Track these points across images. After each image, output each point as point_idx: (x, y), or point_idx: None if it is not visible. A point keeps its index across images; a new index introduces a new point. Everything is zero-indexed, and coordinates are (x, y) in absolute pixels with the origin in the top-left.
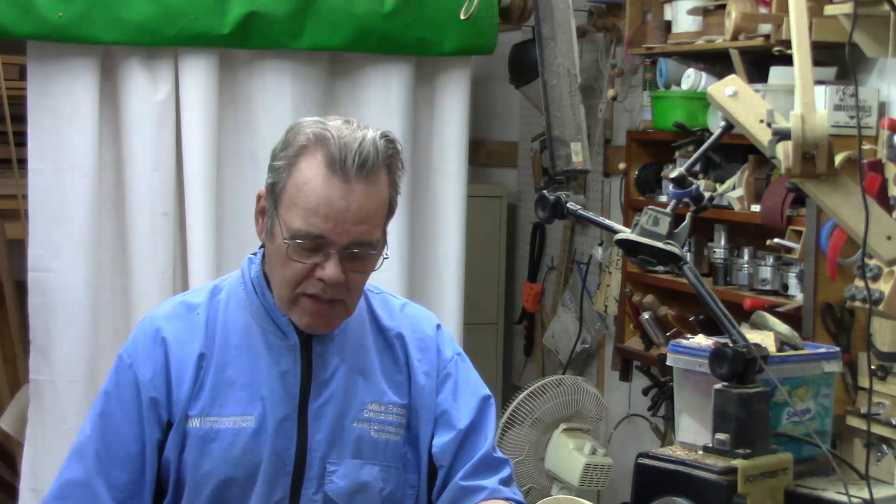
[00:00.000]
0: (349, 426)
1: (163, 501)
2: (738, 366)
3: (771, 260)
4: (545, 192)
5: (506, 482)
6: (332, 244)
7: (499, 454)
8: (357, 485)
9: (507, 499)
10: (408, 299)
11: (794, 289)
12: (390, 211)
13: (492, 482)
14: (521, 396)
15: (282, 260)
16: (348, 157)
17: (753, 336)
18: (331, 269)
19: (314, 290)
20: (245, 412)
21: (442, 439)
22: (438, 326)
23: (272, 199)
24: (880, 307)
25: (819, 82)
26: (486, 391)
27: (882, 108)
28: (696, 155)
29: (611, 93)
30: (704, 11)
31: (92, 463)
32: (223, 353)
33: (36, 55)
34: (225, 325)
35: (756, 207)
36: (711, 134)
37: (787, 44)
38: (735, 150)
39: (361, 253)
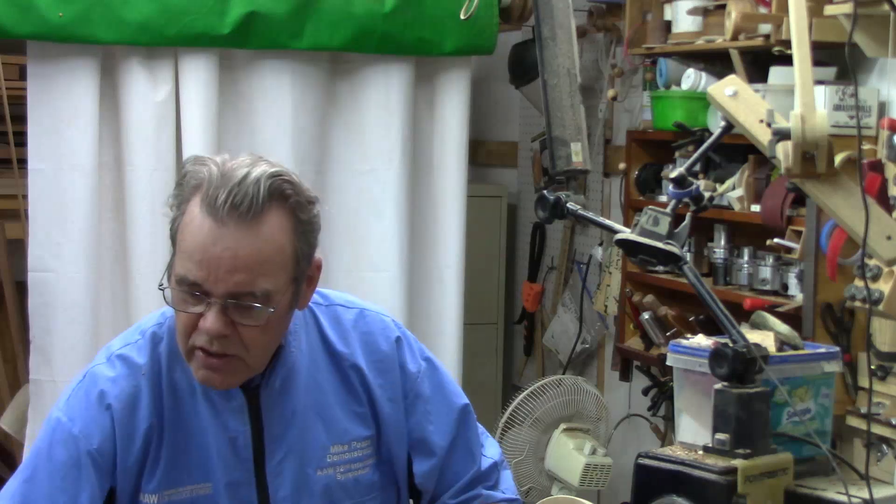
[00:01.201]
0: (313, 476)
1: None
2: (738, 366)
3: (771, 260)
4: (545, 191)
5: (495, 486)
6: (211, 293)
7: (487, 463)
8: None
9: (498, 501)
10: (362, 305)
11: (794, 289)
12: (298, 260)
13: (480, 489)
14: (521, 396)
15: (175, 310)
16: (219, 197)
17: (753, 336)
18: (209, 321)
19: (201, 342)
20: (201, 479)
21: (423, 467)
22: (398, 339)
23: (171, 241)
24: (880, 307)
25: (819, 82)
26: (462, 400)
27: (882, 108)
28: (696, 155)
29: (611, 93)
30: (704, 11)
31: None
32: (173, 419)
33: (36, 55)
34: (171, 386)
35: (756, 207)
36: (711, 134)
37: (787, 44)
38: (735, 150)
39: (245, 304)
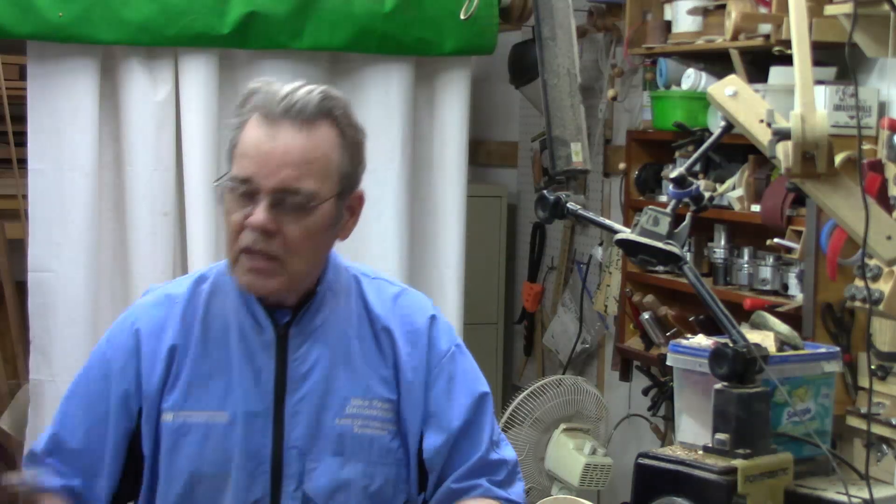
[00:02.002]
0: (330, 423)
1: (139, 493)
2: (738, 366)
3: (771, 260)
4: (545, 192)
5: (501, 484)
6: (261, 188)
7: (497, 456)
8: (338, 483)
9: (497, 498)
10: (407, 286)
11: (794, 289)
12: (342, 176)
13: (484, 481)
14: (521, 396)
15: (227, 217)
16: (274, 101)
17: (753, 336)
18: (257, 213)
19: (247, 242)
20: (218, 407)
21: (433, 442)
22: (433, 317)
23: (229, 159)
24: (880, 307)
25: (819, 82)
26: (483, 387)
27: (882, 108)
28: (696, 155)
29: (611, 93)
30: (704, 11)
31: (47, 442)
32: (201, 346)
33: (36, 55)
34: (205, 316)
35: (756, 207)
36: (711, 134)
37: (787, 44)
38: (735, 150)
39: (291, 201)
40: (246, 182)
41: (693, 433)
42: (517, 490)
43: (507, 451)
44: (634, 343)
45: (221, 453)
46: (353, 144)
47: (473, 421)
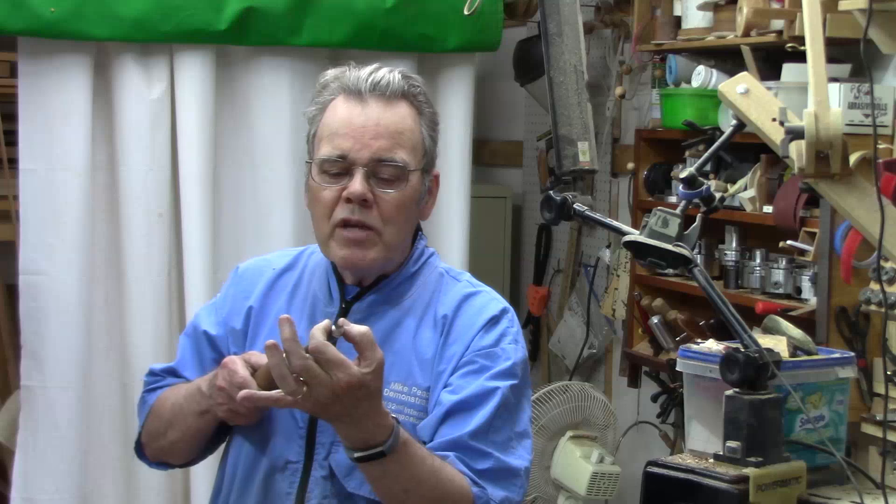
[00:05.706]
0: None
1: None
2: (749, 371)
3: (784, 262)
4: (551, 192)
5: (480, 473)
6: (356, 162)
7: (484, 447)
8: None
9: (462, 472)
10: (485, 289)
11: (808, 292)
12: (425, 152)
13: (453, 455)
14: None
15: (316, 197)
16: (360, 80)
17: (765, 341)
18: (355, 184)
19: (343, 214)
20: None
21: (430, 413)
22: (492, 318)
23: (309, 153)
24: None
25: (833, 79)
26: (500, 384)
27: None
28: (706, 154)
29: (619, 90)
30: (715, 7)
31: (166, 368)
32: (280, 312)
33: (27, 52)
34: (295, 287)
35: (768, 208)
36: (722, 133)
37: (801, 40)
38: (747, 149)
39: (386, 172)
40: (341, 158)
41: (703, 441)
42: (499, 493)
43: (508, 455)
44: (643, 348)
45: (267, 411)
46: (431, 124)
47: (473, 404)
